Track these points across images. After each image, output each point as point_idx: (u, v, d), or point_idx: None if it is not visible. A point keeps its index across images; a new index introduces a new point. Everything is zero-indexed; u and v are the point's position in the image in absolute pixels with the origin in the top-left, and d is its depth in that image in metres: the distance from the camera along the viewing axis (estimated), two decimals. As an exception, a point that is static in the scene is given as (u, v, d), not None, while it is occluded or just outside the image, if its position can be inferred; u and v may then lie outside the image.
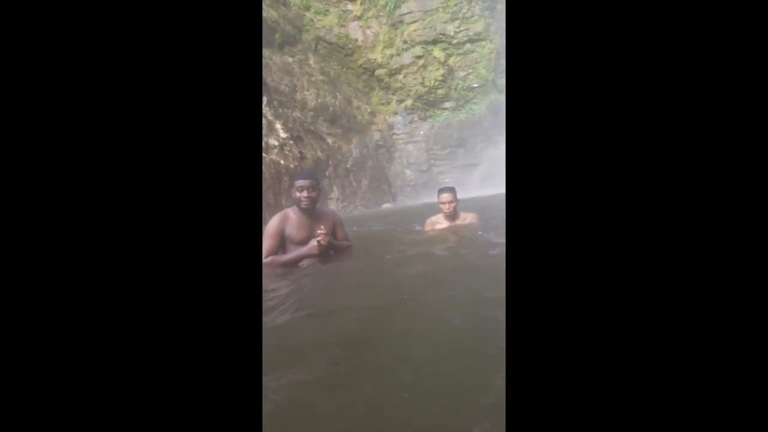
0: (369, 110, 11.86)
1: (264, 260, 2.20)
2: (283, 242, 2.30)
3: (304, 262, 2.25)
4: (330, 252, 2.33)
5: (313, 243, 2.18)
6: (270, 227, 2.29)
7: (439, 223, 3.22)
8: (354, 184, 10.02)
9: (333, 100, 10.85)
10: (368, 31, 11.89)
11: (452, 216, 3.13)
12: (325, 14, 11.77)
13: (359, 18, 11.87)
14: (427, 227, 3.24)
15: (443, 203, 3.10)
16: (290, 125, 8.95)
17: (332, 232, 2.42)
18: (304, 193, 2.27)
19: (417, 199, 10.49)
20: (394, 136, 11.71)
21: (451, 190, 3.13)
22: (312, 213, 2.34)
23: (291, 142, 8.59)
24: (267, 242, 2.24)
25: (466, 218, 3.20)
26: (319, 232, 2.18)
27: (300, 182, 2.31)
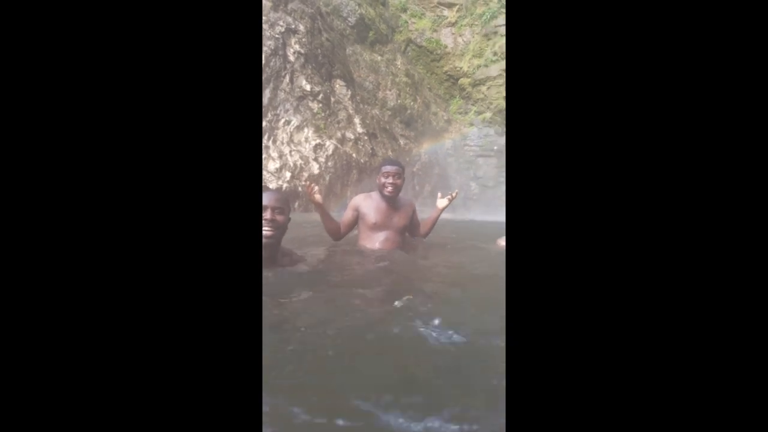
0: (446, 117, 11.85)
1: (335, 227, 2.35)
2: (356, 217, 2.34)
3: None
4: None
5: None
6: (352, 201, 2.41)
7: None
8: (417, 188, 10.11)
9: (412, 103, 11.02)
10: (459, 39, 11.85)
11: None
12: (420, 17, 11.95)
13: (453, 24, 11.87)
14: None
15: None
16: (368, 122, 9.28)
17: (411, 221, 2.45)
18: (390, 179, 2.26)
19: (477, 215, 10.32)
20: (466, 147, 11.60)
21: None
22: (393, 201, 2.33)
23: (366, 137, 8.93)
24: (345, 214, 2.36)
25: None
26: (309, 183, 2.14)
27: (387, 168, 2.28)
